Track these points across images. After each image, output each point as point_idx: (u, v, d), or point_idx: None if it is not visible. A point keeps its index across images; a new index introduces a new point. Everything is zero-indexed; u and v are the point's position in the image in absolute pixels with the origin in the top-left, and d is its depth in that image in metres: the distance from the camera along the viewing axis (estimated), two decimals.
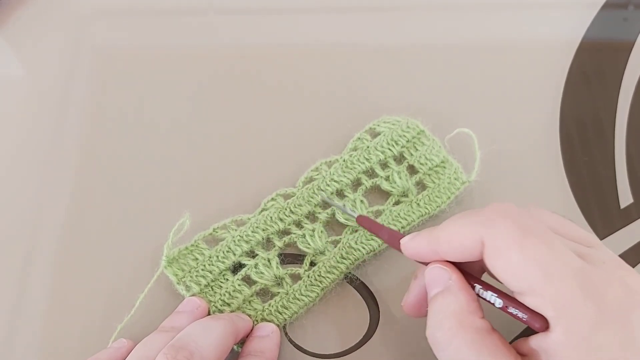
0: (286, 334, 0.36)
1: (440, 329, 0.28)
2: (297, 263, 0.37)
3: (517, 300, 0.27)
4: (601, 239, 0.38)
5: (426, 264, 0.30)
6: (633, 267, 0.37)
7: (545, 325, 0.26)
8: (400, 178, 0.38)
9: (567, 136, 0.41)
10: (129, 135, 0.42)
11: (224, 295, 0.35)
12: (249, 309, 0.35)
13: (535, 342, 0.27)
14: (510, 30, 0.46)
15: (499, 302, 0.28)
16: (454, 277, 0.29)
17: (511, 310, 0.28)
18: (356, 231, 0.37)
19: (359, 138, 0.40)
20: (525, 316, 0.27)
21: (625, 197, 0.39)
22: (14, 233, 0.39)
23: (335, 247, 0.37)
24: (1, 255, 0.38)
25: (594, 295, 0.25)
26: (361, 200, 0.38)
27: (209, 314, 0.35)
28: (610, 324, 0.25)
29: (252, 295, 0.36)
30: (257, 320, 0.35)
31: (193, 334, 0.31)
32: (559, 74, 0.43)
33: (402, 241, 0.31)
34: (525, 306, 0.27)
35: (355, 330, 0.36)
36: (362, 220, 0.36)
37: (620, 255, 0.37)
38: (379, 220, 0.37)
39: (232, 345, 0.33)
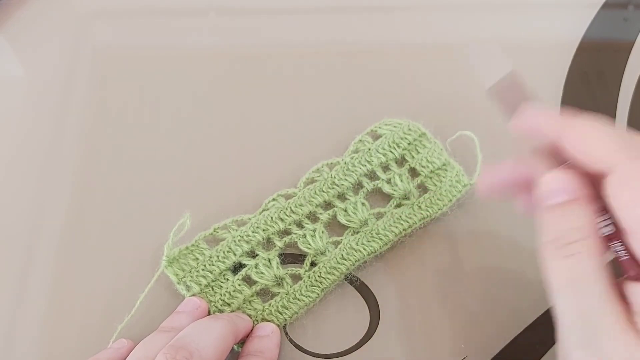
0: (286, 333, 0.36)
1: (570, 234, 0.26)
2: (297, 263, 0.37)
3: (623, 238, 0.26)
4: None
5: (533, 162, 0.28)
6: None
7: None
8: (401, 181, 0.38)
9: None
10: (129, 136, 0.42)
11: (224, 295, 0.35)
12: (249, 309, 0.35)
13: (633, 287, 0.25)
14: (510, 30, 0.46)
15: (608, 230, 0.26)
16: (582, 188, 0.26)
17: (616, 245, 0.26)
18: (357, 232, 0.37)
19: (361, 140, 0.40)
20: (627, 257, 0.26)
21: None
22: (14, 233, 0.39)
23: (336, 247, 0.37)
24: (1, 255, 0.38)
25: None
26: (362, 203, 0.38)
27: (209, 313, 0.35)
28: None
29: (252, 295, 0.36)
30: (257, 320, 0.35)
31: (193, 334, 0.31)
32: (558, 73, 0.43)
33: (525, 113, 0.29)
34: (630, 249, 0.25)
35: (356, 330, 0.36)
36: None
37: None
38: (380, 222, 0.37)
39: (232, 345, 0.33)
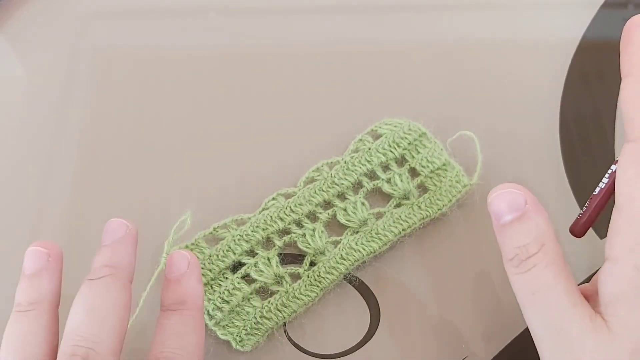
0: (286, 332, 0.36)
1: (524, 250, 0.27)
2: (296, 263, 0.37)
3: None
4: (601, 238, 0.38)
5: None
6: None
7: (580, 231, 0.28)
8: (401, 181, 0.38)
9: (567, 136, 0.41)
10: (129, 135, 0.42)
11: (223, 293, 0.35)
12: (249, 307, 0.35)
13: (609, 276, 0.26)
14: (509, 30, 0.46)
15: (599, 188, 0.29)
16: (530, 200, 0.27)
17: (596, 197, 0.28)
18: (357, 232, 0.37)
19: (361, 139, 0.40)
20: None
21: None
22: (14, 233, 0.39)
23: (336, 247, 0.37)
24: (1, 256, 0.38)
25: None
26: (362, 203, 0.38)
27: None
28: None
29: (251, 293, 0.36)
30: (255, 318, 0.35)
31: (78, 323, 0.26)
32: (558, 73, 0.43)
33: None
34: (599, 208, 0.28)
35: (356, 330, 0.36)
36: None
37: None
38: (379, 222, 0.37)
39: (130, 297, 0.28)
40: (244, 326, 0.35)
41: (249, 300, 0.36)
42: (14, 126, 0.42)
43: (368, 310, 0.36)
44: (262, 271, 0.36)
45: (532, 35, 0.45)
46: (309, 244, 0.37)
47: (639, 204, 0.25)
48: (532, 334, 0.27)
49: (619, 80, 0.43)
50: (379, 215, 0.38)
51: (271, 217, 0.37)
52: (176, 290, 0.29)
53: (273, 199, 0.38)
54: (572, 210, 0.38)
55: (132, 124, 0.42)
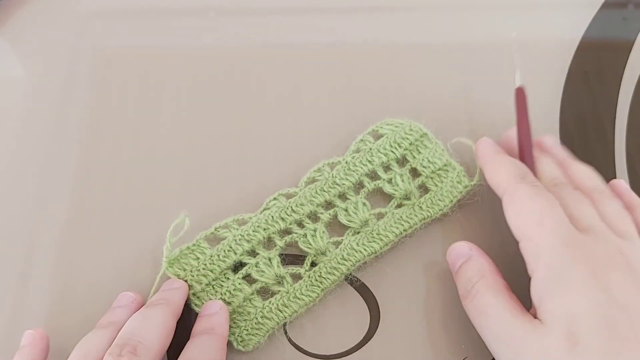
0: (286, 333, 0.36)
1: (469, 282, 0.33)
2: (297, 264, 0.37)
3: None
4: None
5: None
6: None
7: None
8: (402, 181, 0.38)
9: (567, 135, 0.41)
10: (129, 136, 0.42)
11: (225, 294, 0.35)
12: (250, 307, 0.35)
13: (532, 287, 0.31)
14: (510, 30, 0.45)
15: None
16: (474, 248, 0.35)
17: None
18: (358, 233, 0.37)
19: (362, 140, 0.40)
20: None
21: None
22: (13, 234, 0.39)
23: (337, 248, 0.37)
24: (1, 257, 0.38)
25: (573, 248, 0.30)
26: (363, 203, 0.38)
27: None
28: (583, 267, 0.30)
29: (252, 294, 0.36)
30: (256, 318, 0.35)
31: (133, 327, 0.32)
32: (558, 73, 0.43)
33: (481, 140, 0.37)
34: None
35: (356, 331, 0.36)
36: (520, 94, 0.38)
37: None
38: (380, 222, 0.37)
39: (174, 326, 0.33)
40: (245, 326, 0.35)
41: (250, 300, 0.36)
42: (14, 126, 0.42)
43: (368, 311, 0.36)
44: (263, 271, 0.36)
45: (533, 35, 0.45)
46: (310, 244, 0.37)
47: (533, 227, 0.32)
48: (491, 352, 0.32)
49: (618, 79, 0.43)
50: (380, 216, 0.38)
51: (272, 217, 0.37)
52: (208, 321, 0.34)
53: (274, 199, 0.38)
54: None
55: (132, 123, 0.42)
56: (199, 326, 0.34)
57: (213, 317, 0.34)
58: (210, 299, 0.35)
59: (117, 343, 0.31)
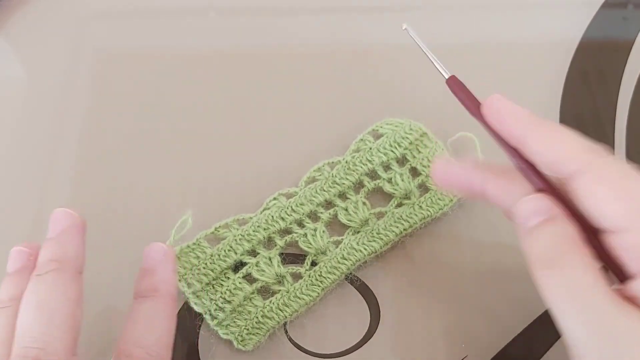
0: (286, 332, 0.36)
1: (554, 249, 0.26)
2: (298, 263, 0.37)
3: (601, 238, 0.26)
4: None
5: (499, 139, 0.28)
6: None
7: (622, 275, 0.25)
8: (402, 180, 0.38)
9: None
10: (129, 136, 0.42)
11: (225, 293, 0.35)
12: (250, 306, 0.35)
13: (634, 284, 0.25)
14: (509, 30, 0.46)
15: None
16: (555, 206, 0.27)
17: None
18: (358, 232, 0.37)
19: (362, 139, 0.40)
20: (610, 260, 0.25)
21: None
22: (14, 233, 0.39)
23: (337, 247, 0.37)
24: (1, 255, 0.38)
25: None
26: (363, 202, 0.38)
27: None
28: None
29: (252, 293, 0.36)
30: (257, 317, 0.35)
31: (29, 325, 0.26)
32: (558, 73, 0.43)
33: (489, 102, 0.29)
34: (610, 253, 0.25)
35: (356, 330, 0.36)
36: (452, 83, 0.31)
37: None
38: (380, 222, 0.37)
39: (82, 289, 0.28)
40: (246, 325, 0.35)
41: (250, 299, 0.36)
42: (14, 126, 0.43)
43: (368, 310, 0.36)
44: (263, 271, 0.36)
45: (532, 35, 0.45)
46: (310, 243, 0.37)
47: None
48: (569, 340, 0.25)
49: (618, 79, 0.43)
50: (380, 215, 0.38)
51: (272, 216, 0.37)
52: (150, 279, 0.30)
53: (274, 198, 0.38)
54: None
55: (132, 124, 0.42)
56: (139, 286, 0.30)
57: (156, 271, 0.30)
58: (211, 299, 0.35)
59: (17, 353, 0.26)
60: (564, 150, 0.26)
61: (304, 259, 0.37)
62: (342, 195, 0.38)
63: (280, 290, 0.36)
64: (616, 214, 0.25)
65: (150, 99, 0.43)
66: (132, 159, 0.41)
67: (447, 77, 0.32)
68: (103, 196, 0.40)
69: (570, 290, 0.25)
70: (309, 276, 0.36)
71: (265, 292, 0.36)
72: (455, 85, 0.31)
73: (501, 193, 0.29)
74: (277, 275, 0.36)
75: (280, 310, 0.35)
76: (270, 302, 0.35)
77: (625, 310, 0.24)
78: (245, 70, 0.44)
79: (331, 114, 0.42)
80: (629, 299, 0.24)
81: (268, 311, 0.35)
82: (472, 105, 0.30)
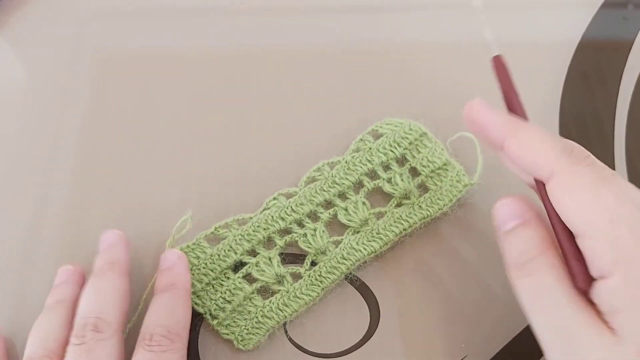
0: (286, 332, 0.36)
1: (525, 254, 0.28)
2: (297, 263, 0.37)
3: (573, 242, 0.27)
4: None
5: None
6: None
7: (586, 284, 0.26)
8: (402, 180, 0.38)
9: (566, 135, 0.41)
10: (129, 136, 0.42)
11: (225, 293, 0.35)
12: (250, 306, 0.36)
13: (594, 289, 0.27)
14: (509, 29, 0.46)
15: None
16: (531, 210, 0.29)
17: (566, 248, 0.27)
18: (358, 232, 0.37)
19: (362, 139, 0.40)
20: (576, 263, 0.27)
21: None
22: (15, 234, 0.39)
23: (337, 247, 0.37)
24: (1, 255, 0.38)
25: None
26: (363, 202, 0.38)
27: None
28: None
29: (252, 293, 0.36)
30: (257, 317, 0.35)
31: (87, 303, 0.32)
32: (558, 73, 0.43)
33: (467, 112, 0.30)
34: (578, 252, 0.27)
35: (356, 330, 0.36)
36: (498, 63, 0.31)
37: None
38: (380, 222, 0.37)
39: (128, 285, 0.33)
40: (246, 325, 0.35)
41: (250, 299, 0.36)
42: (14, 127, 0.43)
43: (368, 310, 0.36)
44: (263, 271, 0.36)
45: (532, 35, 0.45)
46: (310, 243, 0.37)
47: (605, 223, 0.26)
48: (537, 337, 0.28)
49: (618, 79, 0.43)
50: (379, 215, 0.38)
51: (272, 216, 0.37)
52: (167, 276, 0.34)
53: (274, 198, 0.38)
54: None
55: (132, 124, 0.42)
56: (159, 283, 0.34)
57: (172, 269, 0.34)
58: (211, 299, 0.35)
59: (78, 323, 0.31)
60: (536, 157, 0.28)
61: (304, 259, 0.37)
62: (342, 195, 0.38)
63: (280, 290, 0.36)
64: (577, 220, 0.27)
65: (150, 99, 0.43)
66: (132, 159, 0.41)
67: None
68: (103, 196, 0.40)
69: (536, 293, 0.27)
70: (309, 276, 0.36)
71: (265, 292, 0.36)
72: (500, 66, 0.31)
73: (511, 162, 0.30)
74: (277, 275, 0.36)
75: (280, 310, 0.35)
76: (270, 302, 0.35)
77: (582, 312, 0.26)
78: (245, 71, 0.44)
79: (331, 113, 0.42)
80: (590, 301, 0.27)
81: (268, 311, 0.35)
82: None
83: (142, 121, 0.42)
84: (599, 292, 0.26)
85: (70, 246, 0.38)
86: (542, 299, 0.27)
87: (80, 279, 0.35)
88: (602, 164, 0.28)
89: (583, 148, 0.28)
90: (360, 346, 0.35)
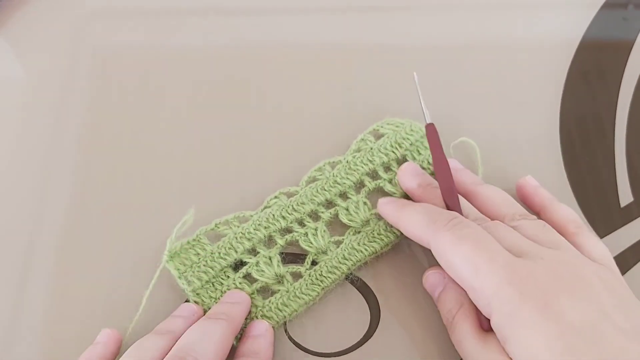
0: (286, 331, 0.36)
1: (450, 312, 0.33)
2: (298, 262, 0.37)
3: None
4: (601, 237, 0.38)
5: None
6: (632, 265, 0.37)
7: (488, 326, 0.31)
8: None
9: (567, 135, 0.41)
10: (129, 135, 0.42)
11: (225, 292, 0.35)
12: (250, 306, 0.35)
13: (494, 330, 0.31)
14: (510, 30, 0.46)
15: None
16: (448, 278, 0.34)
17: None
18: (359, 232, 0.37)
19: (363, 139, 0.40)
20: (478, 312, 0.32)
21: (626, 196, 0.39)
22: (15, 232, 0.39)
23: (338, 247, 0.37)
24: (2, 254, 0.38)
25: (516, 281, 0.29)
26: (364, 202, 0.38)
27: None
28: (532, 303, 0.29)
29: (252, 293, 0.36)
30: (257, 317, 0.35)
31: (192, 341, 0.31)
32: (559, 73, 0.43)
33: (380, 201, 0.37)
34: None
35: (356, 329, 0.36)
36: (430, 131, 0.36)
37: (620, 254, 0.37)
38: (381, 222, 0.37)
39: (232, 343, 0.33)
40: (246, 325, 0.35)
41: (250, 300, 0.36)
42: (14, 126, 0.42)
43: (368, 310, 0.36)
44: (263, 271, 0.36)
45: (533, 35, 0.45)
46: (311, 243, 0.37)
47: (470, 275, 0.31)
48: None
49: (619, 79, 0.43)
50: (379, 217, 0.37)
51: (273, 215, 0.37)
52: (254, 343, 0.34)
53: (275, 197, 0.38)
54: (572, 208, 0.38)
55: (132, 123, 0.42)
56: (244, 347, 0.34)
57: (259, 339, 0.34)
58: (211, 297, 0.35)
59: (174, 354, 0.31)
60: (415, 234, 0.34)
61: (304, 259, 0.37)
62: (343, 195, 0.38)
63: (280, 290, 0.36)
64: (454, 278, 0.32)
65: (150, 98, 0.43)
66: (132, 158, 0.41)
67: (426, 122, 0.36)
68: (103, 194, 0.39)
69: (460, 341, 0.32)
70: (309, 275, 0.36)
71: (265, 291, 0.36)
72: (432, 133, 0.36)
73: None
74: (276, 275, 0.36)
75: (280, 309, 0.35)
76: (270, 302, 0.35)
77: (487, 348, 0.31)
78: (246, 70, 0.44)
79: (332, 113, 0.42)
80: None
81: (267, 311, 0.35)
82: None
83: (142, 120, 0.42)
84: (494, 331, 0.31)
85: (70, 245, 0.38)
86: (464, 345, 0.32)
87: (196, 320, 0.35)
88: (458, 219, 0.32)
89: (450, 212, 0.33)
90: (361, 345, 0.35)
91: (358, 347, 0.35)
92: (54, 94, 0.43)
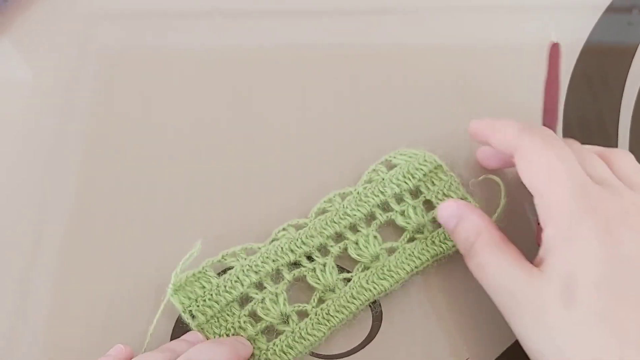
0: None
1: (466, 243, 0.33)
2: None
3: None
4: None
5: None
6: None
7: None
8: (415, 214, 0.36)
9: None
10: (135, 137, 0.40)
11: (229, 330, 0.33)
12: (254, 348, 0.33)
13: (542, 243, 0.30)
14: (513, 33, 0.45)
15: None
16: (462, 206, 0.34)
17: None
18: (368, 268, 0.35)
19: (374, 170, 0.37)
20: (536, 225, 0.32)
21: None
22: (16, 238, 0.37)
23: (346, 285, 0.34)
24: (4, 256, 0.37)
25: (584, 201, 0.29)
26: (374, 236, 0.35)
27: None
28: (592, 223, 0.28)
29: (257, 334, 0.33)
30: (260, 359, 0.33)
31: (197, 354, 0.30)
32: (562, 76, 0.43)
33: (472, 123, 0.36)
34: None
35: (358, 331, 0.34)
36: (554, 49, 0.37)
37: None
38: (391, 258, 0.35)
39: None
40: None
41: (254, 341, 0.33)
42: (19, 128, 0.41)
43: (370, 311, 0.35)
44: (268, 309, 0.33)
45: (536, 39, 0.45)
46: (318, 279, 0.34)
47: (544, 182, 0.31)
48: (497, 307, 0.31)
49: (622, 83, 0.43)
50: (391, 251, 0.35)
51: (282, 248, 0.34)
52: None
53: (283, 229, 0.35)
54: None
55: (137, 125, 0.41)
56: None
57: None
58: (215, 333, 0.33)
59: None
60: (501, 141, 0.33)
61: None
62: (353, 228, 0.36)
63: (284, 330, 0.33)
64: (526, 182, 0.31)
65: (156, 100, 0.42)
66: (137, 160, 0.40)
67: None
68: (107, 197, 0.38)
69: (480, 270, 0.32)
70: (316, 314, 0.33)
71: (270, 332, 0.34)
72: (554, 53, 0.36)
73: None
74: (282, 315, 0.33)
75: (284, 352, 0.33)
76: (274, 344, 0.33)
77: (518, 269, 0.30)
78: (252, 77, 0.43)
79: (343, 143, 0.40)
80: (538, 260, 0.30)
81: (271, 354, 0.33)
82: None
83: (147, 122, 0.41)
84: (541, 246, 0.30)
85: (72, 249, 0.37)
86: (486, 273, 0.31)
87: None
88: (551, 133, 0.32)
89: (544, 127, 0.33)
90: (363, 347, 0.34)
91: (360, 349, 0.34)
92: (59, 96, 0.42)
